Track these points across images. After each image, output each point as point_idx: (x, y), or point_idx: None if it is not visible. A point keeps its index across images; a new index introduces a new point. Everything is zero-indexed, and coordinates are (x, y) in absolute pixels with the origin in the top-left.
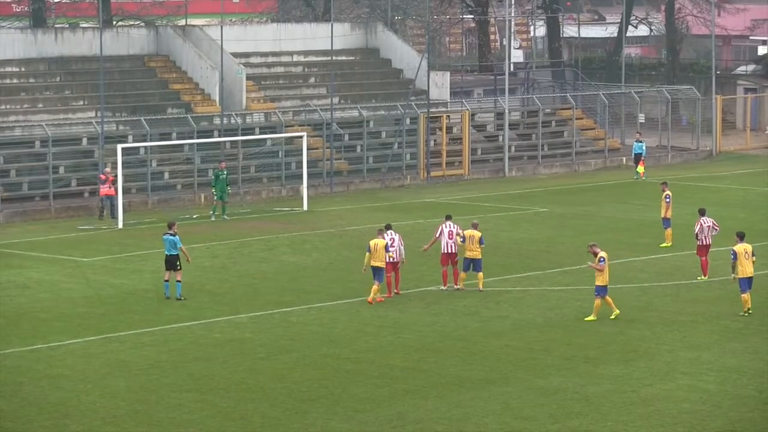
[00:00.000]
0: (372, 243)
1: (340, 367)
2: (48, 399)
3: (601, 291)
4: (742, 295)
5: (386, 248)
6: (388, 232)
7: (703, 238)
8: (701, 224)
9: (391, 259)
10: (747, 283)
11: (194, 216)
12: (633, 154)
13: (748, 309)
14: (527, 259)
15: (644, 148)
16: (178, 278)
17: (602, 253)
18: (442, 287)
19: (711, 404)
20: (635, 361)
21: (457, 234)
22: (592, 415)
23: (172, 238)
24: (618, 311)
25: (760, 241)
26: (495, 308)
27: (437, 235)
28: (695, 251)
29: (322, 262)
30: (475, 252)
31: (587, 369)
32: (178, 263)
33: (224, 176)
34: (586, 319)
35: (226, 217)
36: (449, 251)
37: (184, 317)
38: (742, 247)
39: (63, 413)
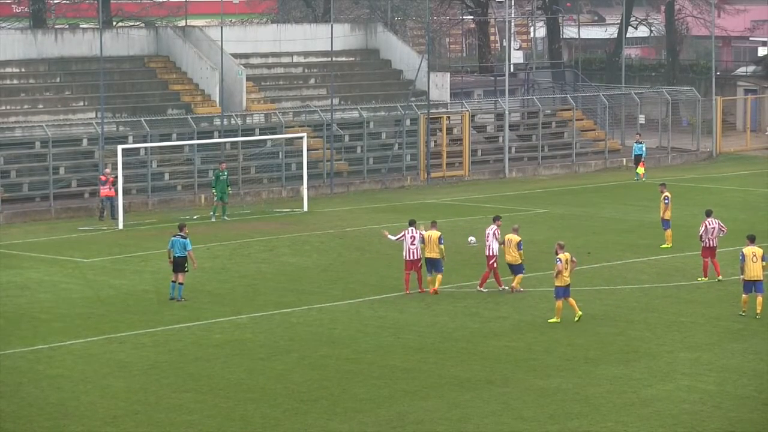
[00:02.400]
0: (426, 235)
1: (340, 368)
2: (48, 399)
3: (560, 292)
4: (744, 296)
5: (439, 240)
6: (410, 229)
7: (708, 239)
8: (706, 226)
9: (413, 257)
10: (751, 285)
11: (195, 217)
12: (633, 155)
13: (757, 314)
14: (527, 260)
15: (644, 149)
16: (180, 280)
17: (561, 255)
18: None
19: (711, 405)
20: (635, 361)
21: (495, 238)
22: (592, 416)
23: (182, 240)
24: (581, 312)
25: (760, 242)
26: (495, 309)
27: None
28: (700, 252)
29: (323, 263)
30: (513, 256)
31: (587, 370)
32: (186, 265)
33: (225, 177)
34: (549, 320)
35: (226, 218)
36: (490, 253)
37: (184, 318)
38: (751, 250)
39: (63, 414)
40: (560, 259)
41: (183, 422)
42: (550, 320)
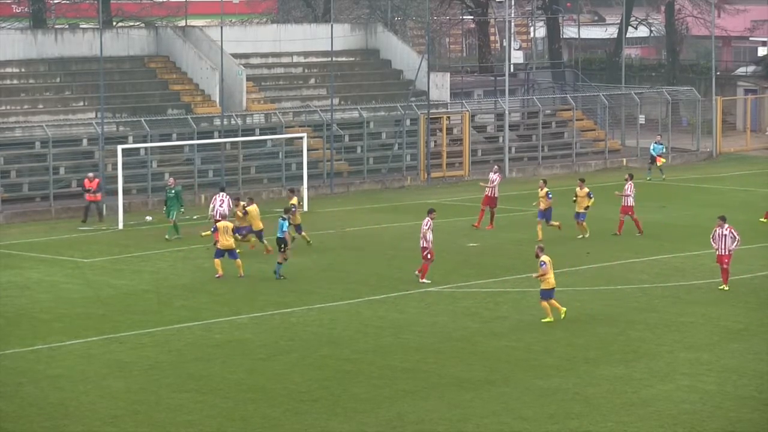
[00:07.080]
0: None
1: (340, 368)
2: (48, 400)
3: (545, 294)
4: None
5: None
6: (221, 193)
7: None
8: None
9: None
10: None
11: (194, 217)
12: (654, 155)
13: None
14: (527, 260)
15: (664, 150)
16: (279, 260)
17: (543, 257)
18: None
19: (711, 405)
20: (635, 361)
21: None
22: (592, 416)
23: (281, 222)
24: (564, 309)
25: (760, 242)
26: (495, 309)
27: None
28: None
29: (322, 263)
30: None
31: (587, 370)
32: (283, 245)
33: (173, 194)
34: (543, 320)
35: (177, 236)
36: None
37: (184, 318)
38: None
39: (63, 414)
40: (544, 262)
41: (183, 422)
42: (543, 320)
